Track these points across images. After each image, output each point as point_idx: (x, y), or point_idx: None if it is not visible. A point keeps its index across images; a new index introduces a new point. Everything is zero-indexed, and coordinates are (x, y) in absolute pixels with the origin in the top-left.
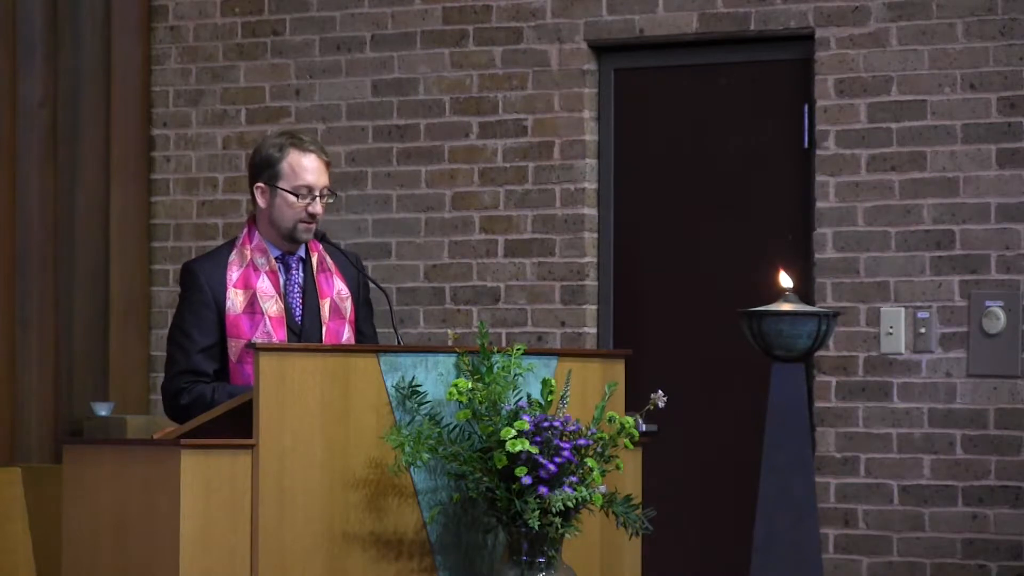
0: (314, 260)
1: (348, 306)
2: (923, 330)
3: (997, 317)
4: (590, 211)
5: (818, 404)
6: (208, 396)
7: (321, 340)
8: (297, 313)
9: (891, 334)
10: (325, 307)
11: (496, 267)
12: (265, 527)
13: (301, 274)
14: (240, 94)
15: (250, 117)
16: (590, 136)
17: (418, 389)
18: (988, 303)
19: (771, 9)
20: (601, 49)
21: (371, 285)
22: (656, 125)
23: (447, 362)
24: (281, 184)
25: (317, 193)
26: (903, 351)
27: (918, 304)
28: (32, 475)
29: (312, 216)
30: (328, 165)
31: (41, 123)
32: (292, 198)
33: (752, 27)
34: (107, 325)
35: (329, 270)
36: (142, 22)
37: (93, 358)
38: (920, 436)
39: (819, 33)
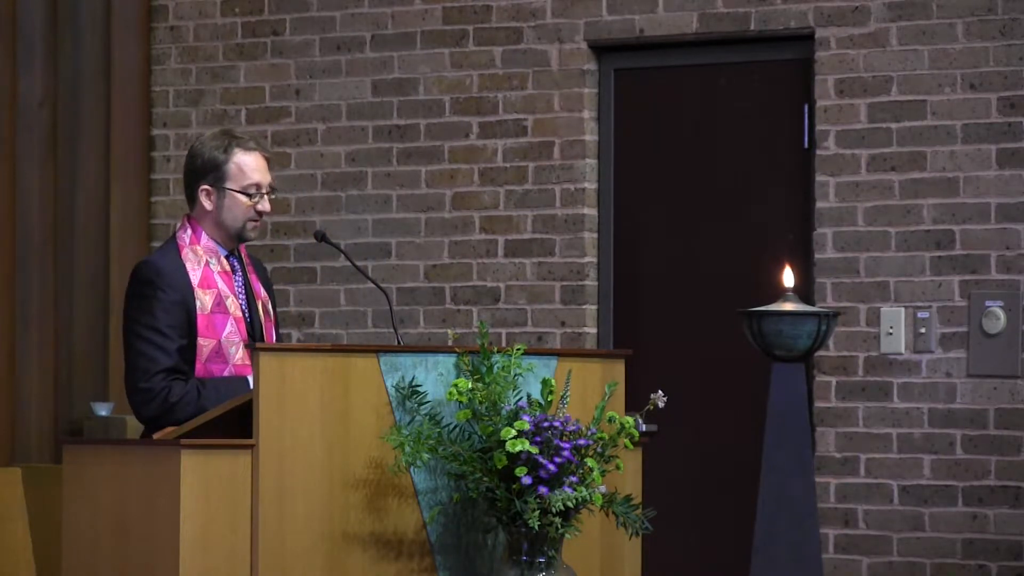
0: (244, 261)
1: (271, 308)
2: (923, 330)
3: (997, 317)
4: (590, 211)
5: (818, 404)
6: (195, 393)
7: (263, 339)
8: (247, 313)
9: (891, 334)
10: (259, 308)
11: (496, 267)
12: (265, 527)
13: (242, 275)
14: (240, 94)
15: (250, 117)
16: (590, 136)
17: (418, 389)
18: (988, 303)
19: (771, 9)
20: (601, 49)
21: (372, 286)
22: (656, 125)
23: (447, 362)
24: (229, 185)
25: (264, 192)
26: (903, 351)
27: (918, 304)
28: (32, 475)
29: (260, 214)
30: (269, 161)
31: (41, 123)
32: (243, 198)
33: (752, 27)
34: (107, 325)
35: (254, 272)
36: (142, 22)
37: (93, 358)
38: (920, 436)
39: (819, 33)
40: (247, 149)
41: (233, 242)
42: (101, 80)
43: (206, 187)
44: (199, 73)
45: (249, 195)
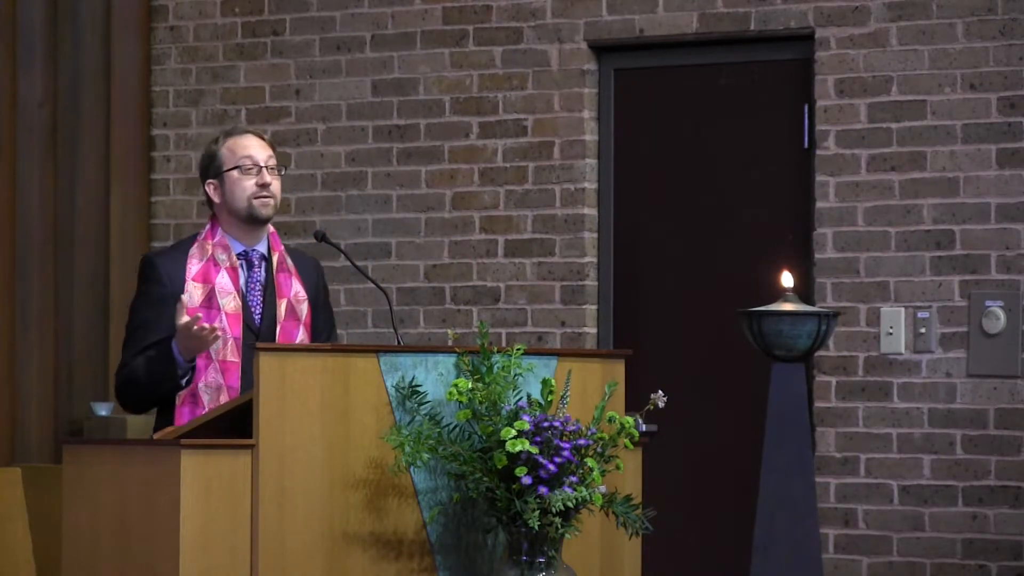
0: (275, 259)
1: (304, 309)
2: (923, 330)
3: (997, 317)
4: (590, 211)
5: (818, 404)
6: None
7: (275, 340)
8: (257, 311)
9: (891, 334)
10: (282, 307)
11: (496, 267)
12: (265, 527)
13: (263, 272)
14: (240, 94)
15: (250, 117)
16: (590, 136)
17: (418, 389)
18: (988, 303)
19: (771, 9)
20: (601, 49)
21: (372, 286)
22: (656, 125)
23: (447, 362)
24: (225, 167)
25: (263, 164)
26: (903, 351)
27: (918, 304)
28: (32, 475)
29: (264, 187)
30: (271, 146)
31: (41, 123)
32: (237, 173)
33: (752, 27)
34: (107, 325)
35: (289, 271)
36: (142, 22)
37: (93, 358)
38: (920, 436)
39: (819, 33)
40: (238, 133)
41: (250, 229)
42: (101, 80)
43: (211, 181)
44: (199, 73)
45: (242, 167)
